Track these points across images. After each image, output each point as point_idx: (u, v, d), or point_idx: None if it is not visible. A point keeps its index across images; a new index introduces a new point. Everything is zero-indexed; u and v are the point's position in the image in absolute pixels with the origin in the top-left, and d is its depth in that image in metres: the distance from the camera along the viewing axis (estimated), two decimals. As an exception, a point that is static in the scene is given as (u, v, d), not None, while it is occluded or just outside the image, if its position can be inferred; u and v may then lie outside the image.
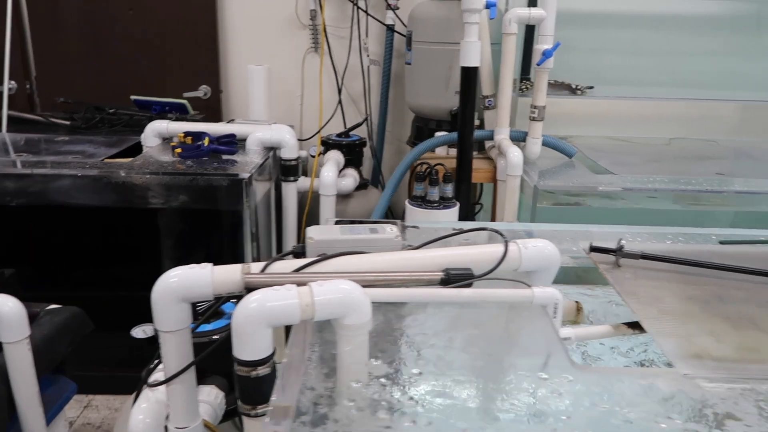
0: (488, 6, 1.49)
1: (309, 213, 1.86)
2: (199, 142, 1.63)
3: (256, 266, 0.74)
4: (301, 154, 1.98)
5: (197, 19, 2.06)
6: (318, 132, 1.93)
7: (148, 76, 2.10)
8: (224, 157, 1.62)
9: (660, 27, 2.05)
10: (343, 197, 1.89)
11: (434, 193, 1.50)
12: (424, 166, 1.61)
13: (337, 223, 0.88)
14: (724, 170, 1.69)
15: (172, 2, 2.04)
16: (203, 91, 2.12)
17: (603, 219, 1.86)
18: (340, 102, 2.09)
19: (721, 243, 0.93)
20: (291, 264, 0.74)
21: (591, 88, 1.98)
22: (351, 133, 2.00)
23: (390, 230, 0.83)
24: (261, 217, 1.76)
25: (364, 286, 0.64)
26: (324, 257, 0.74)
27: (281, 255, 0.82)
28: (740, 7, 2.06)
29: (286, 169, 1.75)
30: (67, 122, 1.93)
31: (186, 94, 2.10)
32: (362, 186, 1.99)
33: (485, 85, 1.73)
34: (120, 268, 1.74)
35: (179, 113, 1.98)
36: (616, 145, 1.97)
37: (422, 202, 1.52)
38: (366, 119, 2.06)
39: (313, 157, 1.96)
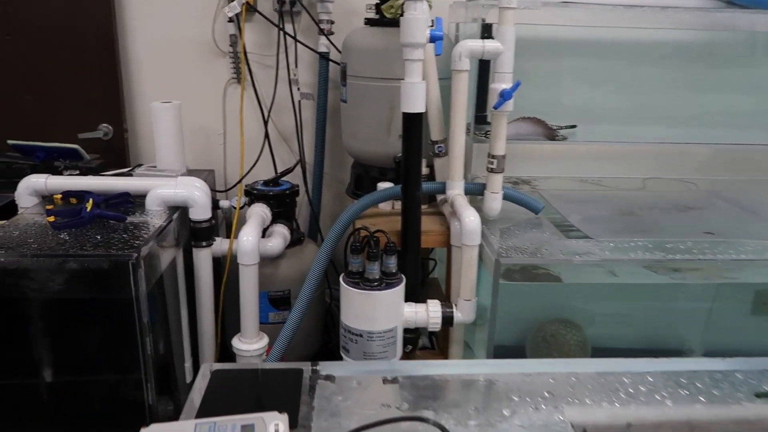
0: (433, 40, 1.22)
1: (229, 283, 1.54)
2: (81, 206, 1.30)
3: None
4: (223, 205, 1.68)
5: (91, 45, 1.72)
6: (239, 181, 1.63)
7: (34, 115, 1.75)
8: (113, 224, 1.30)
9: (634, 57, 1.83)
10: (271, 259, 1.59)
11: (374, 270, 1.22)
12: (362, 234, 1.32)
13: (199, 414, 0.58)
14: (712, 224, 1.47)
15: (57, 27, 1.70)
16: (103, 130, 1.78)
17: (575, 297, 1.63)
18: (267, 141, 1.78)
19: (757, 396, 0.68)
20: None
21: (573, 127, 1.74)
22: (281, 179, 1.70)
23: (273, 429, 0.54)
24: (168, 292, 1.44)
25: None
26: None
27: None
28: (719, 37, 1.86)
29: (197, 233, 1.44)
30: (-75, 175, 1.57)
31: (82, 135, 1.76)
32: (296, 242, 1.69)
33: (434, 129, 1.46)
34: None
35: (71, 160, 1.64)
36: (585, 191, 1.73)
37: (360, 280, 1.23)
38: (299, 162, 1.76)
39: (240, 208, 1.65)
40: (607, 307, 1.68)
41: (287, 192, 1.64)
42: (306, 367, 0.68)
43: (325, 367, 0.69)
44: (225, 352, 1.64)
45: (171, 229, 1.36)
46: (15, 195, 1.41)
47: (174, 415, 1.50)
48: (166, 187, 1.40)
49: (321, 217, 1.95)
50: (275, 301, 1.64)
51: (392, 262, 1.24)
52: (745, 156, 1.89)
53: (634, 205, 1.61)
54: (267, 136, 1.77)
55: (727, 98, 1.91)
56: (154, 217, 1.37)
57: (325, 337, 1.85)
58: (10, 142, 1.62)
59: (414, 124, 1.25)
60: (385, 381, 0.68)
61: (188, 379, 1.54)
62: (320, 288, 1.74)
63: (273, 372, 0.67)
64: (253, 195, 1.63)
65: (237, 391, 0.65)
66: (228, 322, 1.67)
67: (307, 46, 1.79)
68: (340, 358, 1.89)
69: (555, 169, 1.86)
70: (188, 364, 1.53)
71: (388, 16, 1.51)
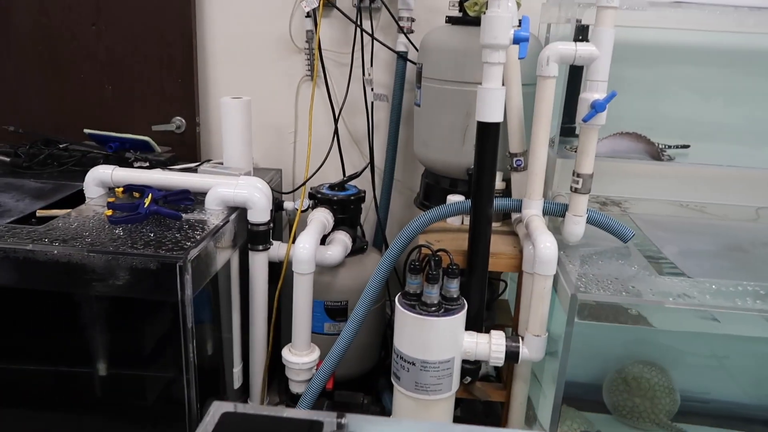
0: (517, 41, 1.09)
1: (285, 290, 1.48)
2: (140, 201, 1.28)
3: None
4: (287, 207, 1.62)
5: (172, 39, 1.72)
6: (304, 183, 1.56)
7: (113, 104, 1.77)
8: (169, 221, 1.27)
9: (754, 67, 1.59)
10: (330, 268, 1.51)
11: (432, 294, 1.10)
12: (423, 252, 1.21)
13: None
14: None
15: (143, 19, 1.71)
16: (176, 123, 1.78)
17: (666, 337, 1.42)
18: (337, 141, 1.71)
19: None
20: None
21: (686, 147, 1.54)
22: (348, 184, 1.61)
23: None
24: (221, 294, 1.40)
25: None
26: None
27: None
28: None
29: (254, 236, 1.38)
30: (7, 158, 1.61)
31: (156, 127, 1.76)
32: (359, 250, 1.60)
33: (514, 140, 1.32)
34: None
35: (141, 151, 1.64)
36: (686, 218, 1.52)
37: (417, 302, 1.12)
38: (368, 165, 1.67)
39: (303, 211, 1.59)
40: (703, 351, 1.46)
41: (352, 198, 1.56)
42: (330, 419, 0.58)
43: (353, 423, 0.59)
44: (277, 360, 1.58)
45: (227, 230, 1.31)
46: (83, 184, 1.42)
47: (221, 419, 1.46)
48: (226, 186, 1.35)
49: (388, 225, 1.85)
50: (332, 311, 1.56)
51: (454, 286, 1.13)
52: None
53: (743, 239, 1.39)
54: (337, 135, 1.70)
55: None
56: (212, 216, 1.32)
57: (383, 353, 1.75)
58: (86, 131, 1.64)
59: (489, 134, 1.12)
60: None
61: (236, 385, 1.50)
62: (380, 300, 1.65)
63: (290, 423, 0.57)
64: (316, 199, 1.55)
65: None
66: (283, 330, 1.61)
67: (384, 44, 1.69)
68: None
69: (651, 190, 1.65)
70: (237, 369, 1.48)
71: (471, 14, 1.38)
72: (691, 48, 1.59)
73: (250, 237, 1.38)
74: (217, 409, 0.59)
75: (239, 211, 1.37)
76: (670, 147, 1.54)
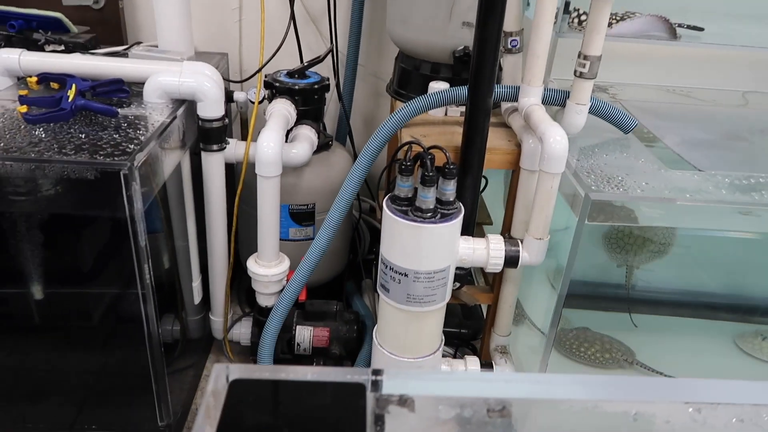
0: None
1: (243, 194, 1.30)
2: (62, 93, 1.03)
3: None
4: (238, 98, 1.39)
5: None
6: (259, 69, 1.33)
7: (9, -29, 1.42)
8: (101, 119, 1.04)
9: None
10: (294, 168, 1.34)
11: (428, 198, 0.96)
12: (413, 150, 1.06)
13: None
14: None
15: None
16: (93, -4, 1.46)
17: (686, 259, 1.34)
18: (293, 22, 1.46)
19: None
20: None
21: (700, 29, 1.39)
22: (309, 71, 1.40)
23: None
24: (172, 203, 1.21)
25: None
26: None
27: None
28: None
29: (207, 134, 1.17)
30: None
31: (68, 1, 1.44)
32: (323, 146, 1.42)
33: (509, 16, 1.13)
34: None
35: (53, 31, 1.34)
36: (676, 103, 1.43)
37: (408, 207, 0.98)
38: (330, 50, 1.45)
39: (258, 103, 1.37)
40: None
41: (316, 86, 1.35)
42: (365, 376, 0.45)
43: (393, 381, 0.46)
44: (239, 271, 1.44)
45: (174, 128, 1.09)
46: (-16, 73, 1.14)
47: (180, 336, 1.33)
48: (170, 74, 1.12)
49: (351, 117, 1.66)
50: (298, 215, 1.40)
51: (450, 189, 0.99)
52: None
53: (740, 126, 1.32)
54: (293, 15, 1.45)
55: None
56: (154, 111, 1.10)
57: (351, 255, 1.63)
58: (-22, 4, 1.31)
59: (495, 8, 0.93)
60: (490, 412, 0.45)
61: (197, 300, 1.35)
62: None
63: (324, 388, 0.44)
64: (274, 88, 1.34)
65: (266, 413, 0.43)
66: (242, 238, 1.45)
67: None
68: (368, 275, 1.70)
69: (634, 74, 1.54)
70: (197, 284, 1.33)
71: None
72: None
73: (203, 135, 1.17)
74: (220, 372, 0.44)
75: (187, 104, 1.15)
76: (681, 26, 1.40)
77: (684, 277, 1.46)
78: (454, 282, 1.13)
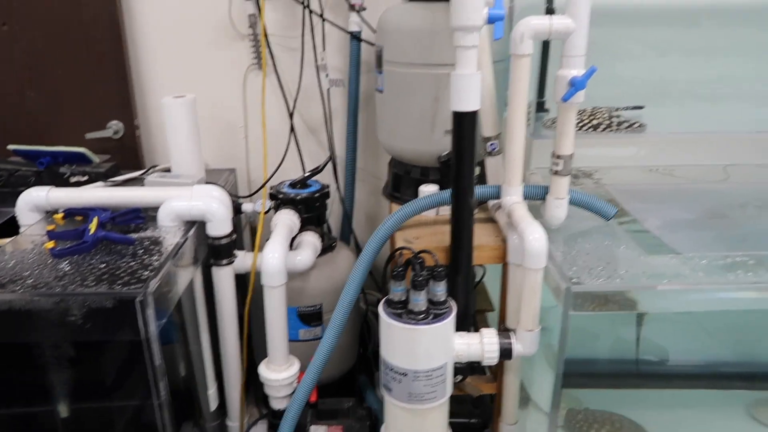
0: (491, 21, 1.00)
1: (256, 298, 1.38)
2: (85, 227, 1.14)
3: None
4: (246, 209, 1.50)
5: (98, 34, 1.54)
6: (263, 184, 1.44)
7: (38, 113, 1.59)
8: (120, 247, 1.14)
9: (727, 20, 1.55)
10: (300, 272, 1.42)
11: (419, 301, 1.03)
12: (405, 254, 1.14)
13: None
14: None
15: (62, 13, 1.52)
16: (113, 128, 1.61)
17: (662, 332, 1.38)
18: (293, 135, 1.59)
19: None
20: None
21: (640, 108, 1.48)
22: (310, 180, 1.51)
23: None
24: (186, 316, 1.29)
25: None
26: None
27: None
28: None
29: (217, 250, 1.27)
30: None
31: (90, 135, 1.60)
32: (328, 248, 1.51)
33: (486, 123, 1.25)
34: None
35: (78, 164, 1.48)
36: (658, 184, 1.50)
37: (402, 310, 1.05)
38: (329, 159, 1.57)
39: (265, 213, 1.47)
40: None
41: (317, 195, 1.46)
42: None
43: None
44: (254, 372, 1.49)
45: (187, 249, 1.19)
46: (15, 210, 1.26)
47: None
48: (181, 199, 1.23)
49: (355, 216, 1.76)
50: (306, 317, 1.47)
51: (441, 289, 1.06)
52: None
53: (720, 202, 1.38)
54: (293, 129, 1.58)
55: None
56: (168, 234, 1.20)
57: (361, 350, 1.68)
58: (11, 147, 1.47)
59: (467, 124, 1.03)
60: None
61: (213, 407, 1.40)
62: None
63: None
64: (278, 199, 1.45)
65: None
66: (257, 342, 1.52)
67: (335, 25, 1.57)
68: (377, 368, 1.74)
69: (620, 157, 1.62)
70: (212, 391, 1.38)
71: (429, -11, 1.28)
72: (656, 8, 1.54)
73: (213, 252, 1.27)
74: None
75: (197, 225, 1.25)
76: (624, 109, 1.48)
77: (693, 347, 1.47)
78: (455, 375, 1.18)
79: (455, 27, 0.98)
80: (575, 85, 1.06)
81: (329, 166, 1.61)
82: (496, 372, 1.30)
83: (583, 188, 1.51)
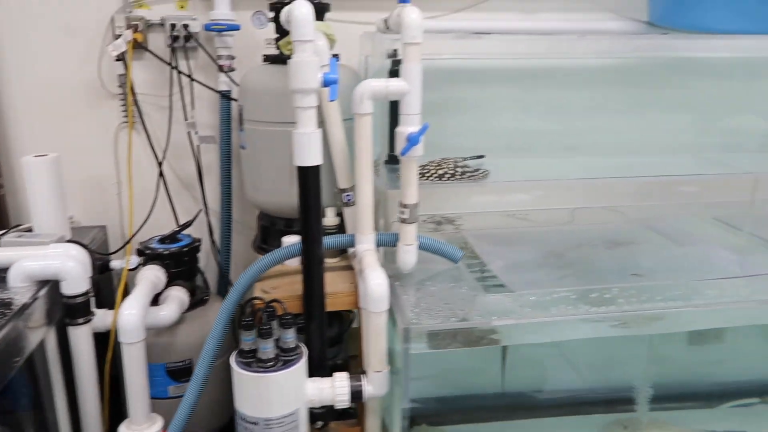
0: (326, 84, 1.09)
1: (115, 360, 1.36)
2: None
3: None
4: (115, 266, 1.49)
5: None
6: (129, 240, 1.45)
7: None
8: (-40, 310, 1.10)
9: (559, 81, 1.73)
10: (168, 327, 1.41)
11: (267, 349, 1.06)
12: (256, 303, 1.17)
13: None
14: (641, 260, 1.39)
15: None
16: (-27, 188, 1.58)
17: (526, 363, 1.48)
18: (165, 190, 1.61)
19: None
20: None
21: (481, 157, 1.61)
22: (181, 234, 1.52)
23: None
24: (40, 379, 1.25)
25: None
26: None
27: None
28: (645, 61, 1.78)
29: (72, 309, 1.25)
30: None
31: (-53, 195, 1.55)
32: (199, 302, 1.51)
33: (341, 176, 1.33)
34: None
35: (-71, 226, 1.43)
36: (512, 228, 1.63)
37: (253, 359, 1.08)
38: (200, 212, 1.59)
39: (133, 269, 1.46)
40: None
41: (185, 249, 1.47)
42: None
43: None
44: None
45: (36, 309, 1.17)
46: None
47: None
48: (33, 259, 1.21)
49: (233, 267, 1.78)
50: (175, 372, 1.45)
51: (290, 336, 1.10)
52: (673, 182, 1.83)
53: (559, 243, 1.52)
54: (164, 184, 1.60)
55: (659, 121, 1.83)
56: (17, 295, 1.18)
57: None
58: None
59: (310, 177, 1.11)
60: None
61: (73, 473, 1.34)
62: (225, 353, 1.57)
63: None
64: (145, 255, 1.45)
65: None
66: (125, 400, 1.48)
67: (204, 85, 1.63)
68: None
69: (480, 203, 1.75)
70: (71, 457, 1.33)
71: (285, 53, 1.37)
72: (498, 69, 1.71)
73: (67, 311, 1.25)
74: None
75: (51, 284, 1.23)
76: (470, 158, 1.60)
77: (555, 377, 1.57)
78: (316, 421, 1.21)
79: (293, 90, 1.06)
80: (411, 141, 1.16)
81: (203, 219, 1.63)
82: (359, 417, 1.34)
83: (444, 234, 1.62)
